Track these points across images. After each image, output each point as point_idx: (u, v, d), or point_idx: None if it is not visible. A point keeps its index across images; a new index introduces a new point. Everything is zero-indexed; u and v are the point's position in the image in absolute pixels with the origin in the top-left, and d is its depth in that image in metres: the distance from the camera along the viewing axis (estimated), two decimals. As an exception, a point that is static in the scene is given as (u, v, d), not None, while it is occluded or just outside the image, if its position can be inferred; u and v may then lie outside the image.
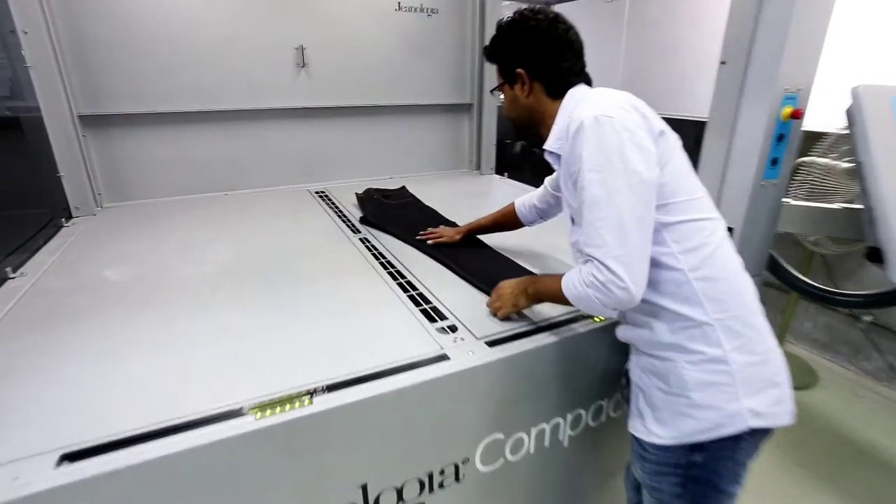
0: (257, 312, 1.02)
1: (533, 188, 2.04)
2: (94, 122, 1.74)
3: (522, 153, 3.37)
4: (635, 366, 0.89)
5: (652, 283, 0.78)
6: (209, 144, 1.93)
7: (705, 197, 0.82)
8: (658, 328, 0.81)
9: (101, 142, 1.77)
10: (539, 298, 0.94)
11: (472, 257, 1.26)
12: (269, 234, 1.51)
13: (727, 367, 0.76)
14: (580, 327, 0.97)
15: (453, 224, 1.53)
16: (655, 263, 0.78)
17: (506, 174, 2.35)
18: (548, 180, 1.21)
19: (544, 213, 1.23)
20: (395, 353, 0.87)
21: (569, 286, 0.82)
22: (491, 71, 2.21)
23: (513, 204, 1.28)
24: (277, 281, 1.17)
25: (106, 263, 1.28)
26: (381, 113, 2.20)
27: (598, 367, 1.02)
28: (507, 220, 1.30)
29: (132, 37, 1.71)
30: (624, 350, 0.95)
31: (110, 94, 1.73)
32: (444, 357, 0.87)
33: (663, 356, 0.81)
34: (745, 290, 0.80)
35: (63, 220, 1.62)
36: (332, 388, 0.79)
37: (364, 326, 0.97)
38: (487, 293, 1.06)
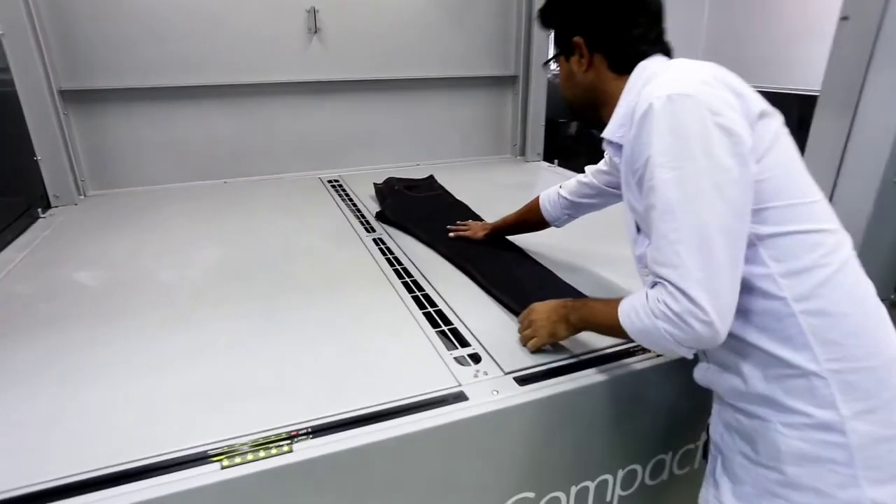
0: (242, 330, 1.00)
1: (581, 175, 1.98)
2: (76, 97, 1.77)
3: (580, 135, 3.25)
4: (717, 419, 0.79)
5: (742, 313, 0.68)
6: (208, 124, 1.94)
7: (822, 201, 0.70)
8: (748, 374, 0.71)
9: (85, 120, 1.80)
10: (584, 328, 0.86)
11: (501, 267, 1.20)
12: (269, 231, 1.50)
13: (843, 439, 0.65)
14: (638, 363, 0.89)
15: (485, 222, 1.45)
16: (747, 288, 0.68)
17: (556, 161, 2.27)
18: (591, 167, 1.11)
19: (575, 208, 1.16)
20: (401, 387, 0.82)
21: (630, 316, 0.73)
22: (541, 37, 2.13)
23: (538, 197, 1.20)
24: (271, 291, 1.15)
25: (80, 264, 1.29)
26: (407, 88, 2.17)
27: (661, 415, 0.94)
28: (531, 218, 1.24)
29: (121, 0, 1.72)
30: (700, 393, 0.86)
31: (95, 66, 1.75)
32: (461, 396, 0.81)
33: (752, 412, 0.71)
34: (878, 333, 0.68)
35: (39, 210, 1.66)
36: (318, 430, 0.74)
37: (367, 351, 0.93)
38: (518, 315, 0.99)
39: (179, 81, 1.85)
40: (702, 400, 0.88)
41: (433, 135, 2.26)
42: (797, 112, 1.23)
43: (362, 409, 0.78)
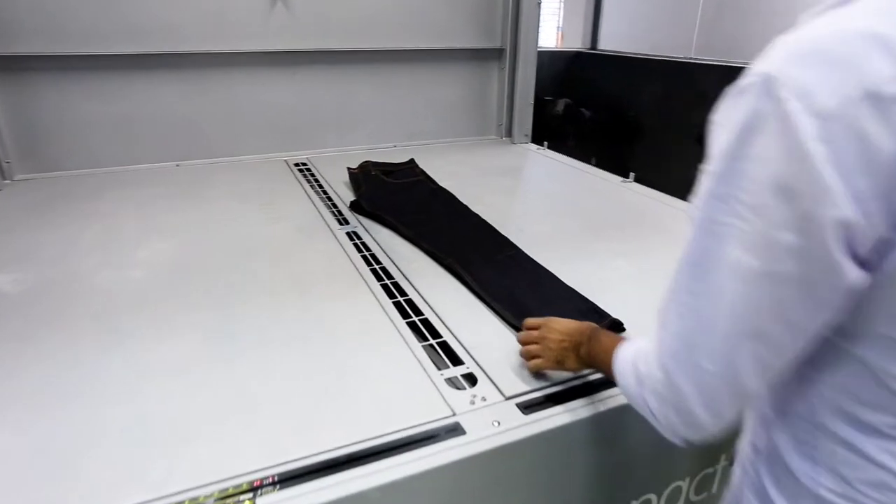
0: (193, 349, 0.88)
1: (581, 163, 1.96)
2: (0, 65, 1.61)
3: (567, 114, 3.16)
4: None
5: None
6: (158, 99, 1.81)
7: None
8: None
9: (12, 92, 1.66)
10: (591, 365, 0.74)
11: (496, 270, 1.10)
12: (228, 223, 1.38)
13: None
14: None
15: (476, 215, 1.37)
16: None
17: (546, 144, 2.19)
18: None
19: None
20: (384, 419, 0.72)
21: (623, 372, 0.60)
22: (530, 6, 2.03)
23: None
24: (229, 297, 1.03)
25: (0, 262, 1.15)
26: (383, 60, 2.06)
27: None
28: None
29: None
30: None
31: (24, 28, 1.60)
32: (457, 429, 0.71)
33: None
34: None
35: (-44, 197, 1.50)
36: (286, 479, 0.64)
37: (343, 373, 0.82)
38: (517, 327, 0.89)
39: (126, 48, 1.70)
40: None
41: (411, 113, 2.17)
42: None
43: (338, 449, 0.68)
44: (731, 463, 0.75)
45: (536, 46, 2.12)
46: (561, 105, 3.23)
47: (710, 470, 0.92)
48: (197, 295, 1.03)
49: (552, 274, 1.09)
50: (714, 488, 0.94)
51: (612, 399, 0.77)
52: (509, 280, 1.06)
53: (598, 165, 1.91)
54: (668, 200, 1.55)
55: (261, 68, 1.90)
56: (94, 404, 0.76)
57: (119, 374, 0.82)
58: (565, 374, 0.81)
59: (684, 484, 0.91)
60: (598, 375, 0.81)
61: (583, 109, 3.14)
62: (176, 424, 0.72)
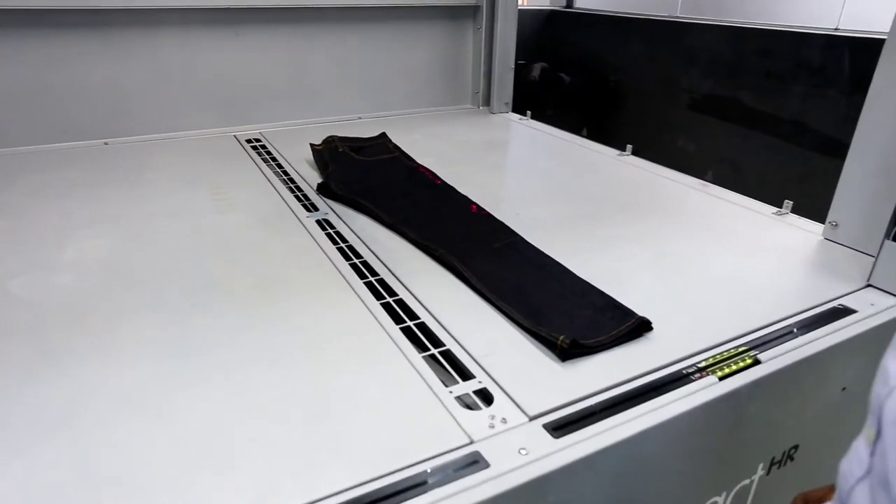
0: (141, 374, 0.77)
1: (571, 135, 1.90)
2: None
3: (544, 80, 3.09)
4: None
5: None
6: (78, 63, 1.66)
7: None
8: None
9: None
10: None
11: (499, 262, 1.03)
12: (172, 214, 1.26)
13: None
14: (699, 389, 0.75)
15: (465, 197, 1.29)
16: None
17: (529, 113, 2.14)
18: None
19: None
20: (389, 453, 0.64)
21: None
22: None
23: None
24: (181, 306, 0.92)
25: None
26: (342, 18, 1.95)
27: (715, 451, 0.82)
28: None
29: None
30: (755, 417, 0.73)
31: None
32: (477, 461, 0.64)
33: None
34: None
35: None
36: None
37: (330, 397, 0.73)
38: (540, 337, 0.83)
39: (26, 2, 1.53)
40: (759, 423, 0.79)
41: (377, 80, 2.08)
42: (850, 62, 1.11)
43: (340, 494, 0.59)
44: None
45: (517, 2, 2.03)
46: (537, 70, 3.16)
47: (747, 482, 0.89)
48: (142, 305, 0.92)
49: (560, 264, 1.02)
50: (749, 501, 0.91)
51: (652, 414, 0.71)
52: (513, 273, 0.99)
53: (588, 137, 1.87)
54: (671, 175, 1.52)
55: (199, 27, 1.76)
56: (19, 449, 0.64)
57: (51, 410, 0.70)
58: (599, 385, 0.75)
59: (720, 499, 0.87)
60: (631, 386, 0.75)
61: (562, 74, 3.08)
62: (131, 472, 0.62)
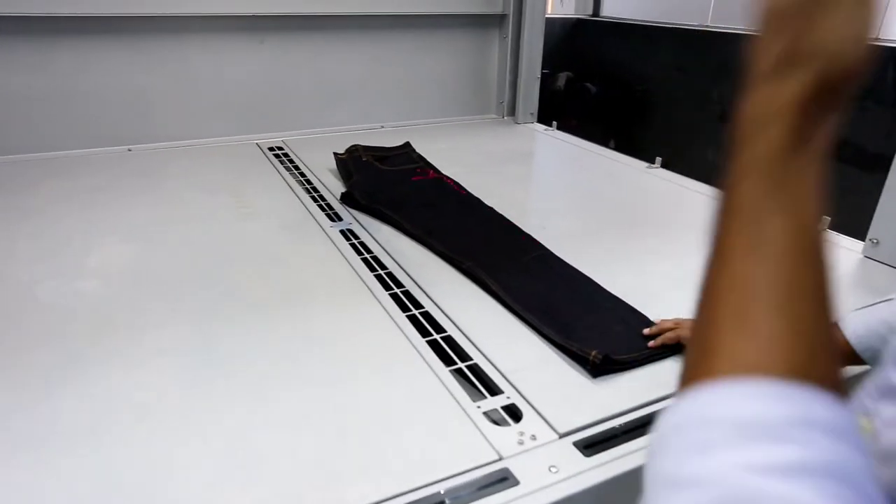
0: (165, 382, 0.79)
1: (597, 146, 1.91)
2: None
3: (569, 90, 3.10)
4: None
5: None
6: (102, 70, 1.71)
7: None
8: None
9: None
10: None
11: (528, 277, 1.03)
12: (194, 221, 1.29)
13: None
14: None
15: (491, 209, 1.31)
16: None
17: (555, 124, 2.15)
18: None
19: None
20: (417, 467, 0.65)
21: None
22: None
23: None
24: (203, 315, 0.94)
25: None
26: (370, 27, 1.99)
27: None
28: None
29: None
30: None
31: None
32: (507, 478, 0.65)
33: None
34: None
35: None
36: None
37: (357, 410, 0.74)
38: (571, 352, 0.83)
39: (56, 9, 1.58)
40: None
41: (400, 89, 2.10)
42: (892, 71, 1.11)
43: (364, 510, 0.60)
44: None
45: (545, 10, 2.05)
46: (562, 80, 3.17)
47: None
48: (165, 312, 0.94)
49: (590, 278, 1.03)
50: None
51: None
52: (542, 287, 0.99)
53: (616, 149, 1.87)
54: (702, 189, 1.51)
55: (224, 34, 1.80)
56: (43, 459, 0.66)
57: (75, 419, 0.72)
58: (631, 402, 0.75)
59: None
60: (663, 404, 0.75)
61: (587, 84, 3.09)
62: (154, 485, 0.63)
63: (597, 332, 0.87)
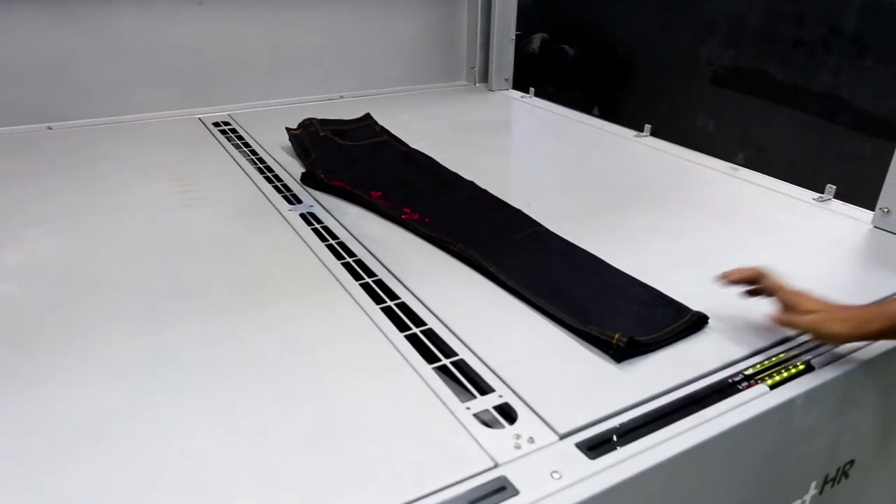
0: (108, 398, 0.76)
1: (580, 114, 1.91)
2: None
3: (544, 53, 3.09)
4: None
5: None
6: (16, 35, 1.65)
7: None
8: None
9: None
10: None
11: (528, 257, 1.03)
12: (133, 209, 1.26)
13: None
14: (758, 396, 0.74)
15: (472, 183, 1.31)
16: None
17: (532, 90, 2.15)
18: None
19: None
20: (404, 480, 0.63)
21: None
22: None
23: None
24: (151, 318, 0.92)
25: None
26: None
27: (766, 467, 0.82)
28: None
29: None
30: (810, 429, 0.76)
31: None
32: (504, 487, 0.63)
33: None
34: None
35: None
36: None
37: (332, 418, 0.73)
38: (590, 336, 0.83)
39: None
40: (813, 437, 0.81)
41: (360, 53, 2.09)
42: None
43: (347, 531, 0.58)
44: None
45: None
46: (537, 42, 3.16)
47: (798, 502, 0.89)
48: (102, 316, 0.91)
49: (593, 255, 1.03)
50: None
51: (699, 430, 0.70)
52: (545, 267, 1.00)
53: (600, 116, 1.89)
54: (696, 158, 1.54)
55: (158, -4, 1.76)
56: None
57: (3, 442, 0.68)
58: (635, 396, 0.74)
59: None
60: (672, 397, 0.75)
61: (564, 46, 3.09)
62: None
63: (613, 312, 0.87)
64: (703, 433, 0.70)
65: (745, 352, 0.82)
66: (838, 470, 0.90)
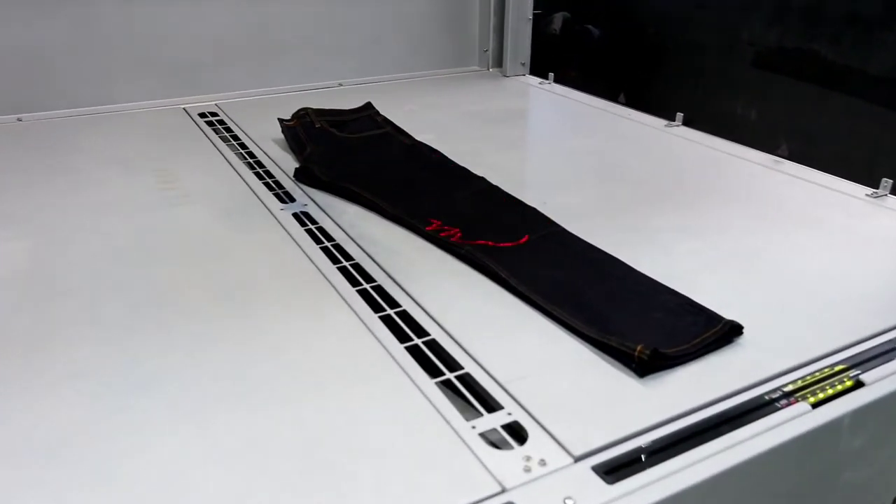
0: (76, 412, 0.78)
1: (604, 101, 1.92)
2: None
3: (567, 33, 3.10)
4: None
5: None
6: None
7: None
8: None
9: None
10: None
11: (544, 260, 1.05)
12: (109, 208, 1.28)
13: None
14: (806, 413, 0.74)
15: (483, 179, 1.33)
16: None
17: (551, 76, 2.17)
18: None
19: None
20: None
21: None
22: None
23: None
24: (126, 326, 0.93)
25: None
26: None
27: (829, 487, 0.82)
28: None
29: None
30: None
31: None
32: (514, 514, 0.64)
33: None
34: None
35: None
36: None
37: (325, 439, 0.74)
38: (609, 348, 0.84)
39: None
40: (861, 463, 0.80)
41: (361, 37, 2.12)
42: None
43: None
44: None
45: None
46: (558, 21, 3.18)
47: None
48: (73, 324, 0.93)
49: (614, 257, 1.05)
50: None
51: (730, 453, 0.71)
52: (561, 271, 1.01)
53: (627, 104, 1.90)
54: (733, 149, 1.54)
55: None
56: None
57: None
58: (658, 415, 0.75)
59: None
60: (701, 416, 0.75)
61: (589, 26, 3.10)
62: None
63: (635, 321, 0.88)
64: (734, 457, 0.70)
65: (785, 366, 0.82)
66: (894, 502, 0.90)
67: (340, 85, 2.08)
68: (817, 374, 0.81)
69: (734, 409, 0.76)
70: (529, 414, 0.76)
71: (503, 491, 0.66)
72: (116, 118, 1.79)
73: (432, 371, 0.83)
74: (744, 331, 0.87)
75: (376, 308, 0.95)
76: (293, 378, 0.82)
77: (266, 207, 1.26)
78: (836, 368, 0.82)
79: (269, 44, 1.99)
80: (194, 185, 1.36)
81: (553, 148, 1.68)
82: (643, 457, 0.70)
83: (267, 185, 1.36)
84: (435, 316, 0.93)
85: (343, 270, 1.04)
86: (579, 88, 2.02)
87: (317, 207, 1.26)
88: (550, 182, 1.42)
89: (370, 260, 1.08)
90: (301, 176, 1.36)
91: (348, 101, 1.70)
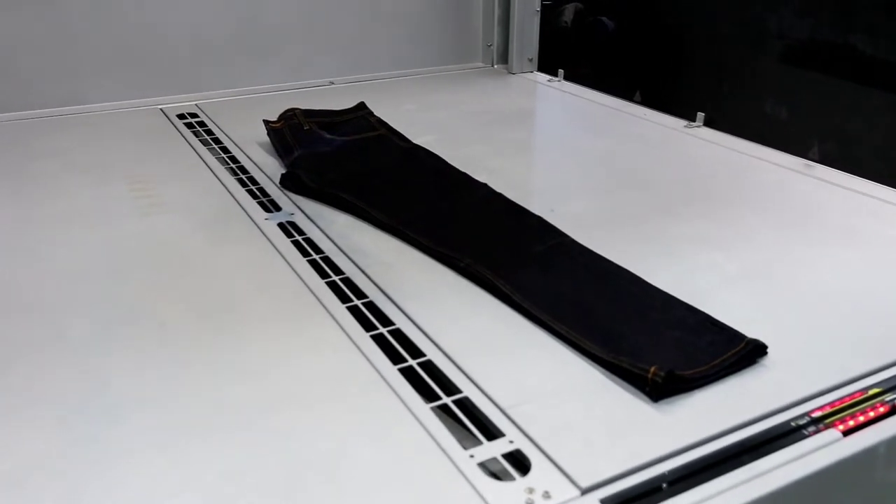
0: (39, 447, 0.78)
1: (618, 101, 1.94)
2: None
3: (578, 25, 3.13)
4: None
5: None
6: None
7: None
8: None
9: None
10: None
11: (550, 274, 1.06)
12: (75, 218, 1.29)
13: None
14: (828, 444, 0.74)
15: (485, 186, 1.34)
16: None
17: (561, 73, 2.19)
18: None
19: None
20: None
21: None
22: None
23: None
24: (90, 344, 0.94)
25: None
26: None
27: None
28: None
29: None
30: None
31: None
32: (515, 556, 0.65)
33: None
34: None
35: None
36: None
37: (311, 470, 0.74)
38: (621, 370, 0.85)
39: None
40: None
41: (353, 31, 2.13)
42: None
43: None
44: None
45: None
46: (569, 13, 3.20)
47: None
48: (37, 345, 0.93)
49: (628, 272, 1.05)
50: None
51: (752, 485, 0.71)
52: (569, 285, 1.02)
53: (643, 103, 1.92)
54: (759, 152, 1.55)
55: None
56: None
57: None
58: (674, 443, 0.75)
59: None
60: (720, 444, 0.75)
61: (602, 19, 3.12)
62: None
63: (649, 340, 0.88)
64: (756, 490, 0.70)
65: (813, 389, 0.83)
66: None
67: (331, 84, 2.09)
68: (848, 398, 0.81)
69: (757, 436, 0.76)
70: (533, 442, 0.76)
71: (504, 530, 0.66)
72: (87, 119, 1.80)
73: (428, 395, 0.83)
74: (768, 351, 0.88)
75: (367, 326, 0.95)
76: (274, 402, 0.83)
77: (249, 217, 1.27)
78: (870, 392, 0.82)
79: (253, 38, 2.00)
80: (171, 192, 1.37)
81: (562, 151, 1.69)
82: (660, 487, 0.71)
83: (250, 192, 1.36)
84: (431, 335, 0.94)
85: (332, 285, 1.05)
86: (591, 86, 2.04)
87: (304, 217, 1.26)
88: (559, 188, 1.43)
89: (361, 274, 1.08)
90: (287, 182, 1.37)
91: (340, 100, 1.71)
